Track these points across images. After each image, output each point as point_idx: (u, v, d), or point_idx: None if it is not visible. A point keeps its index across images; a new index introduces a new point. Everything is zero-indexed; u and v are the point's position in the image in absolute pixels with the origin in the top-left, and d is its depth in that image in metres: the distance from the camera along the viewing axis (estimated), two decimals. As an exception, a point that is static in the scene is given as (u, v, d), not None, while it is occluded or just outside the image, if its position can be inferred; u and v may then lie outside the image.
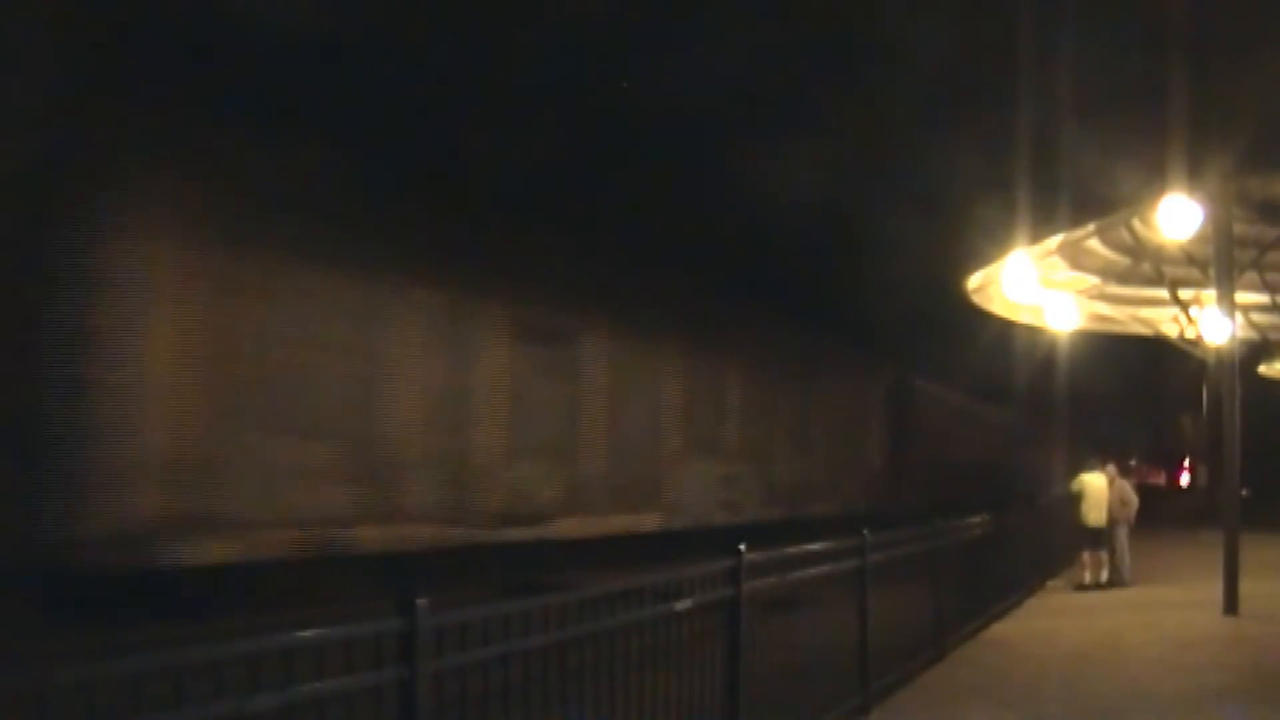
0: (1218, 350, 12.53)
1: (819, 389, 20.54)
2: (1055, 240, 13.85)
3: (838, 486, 20.48)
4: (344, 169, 9.40)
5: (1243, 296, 13.61)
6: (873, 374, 23.58)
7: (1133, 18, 10.08)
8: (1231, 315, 12.21)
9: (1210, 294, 12.81)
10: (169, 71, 8.29)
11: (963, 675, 8.44)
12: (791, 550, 6.26)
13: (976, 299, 16.72)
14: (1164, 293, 14.33)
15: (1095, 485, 14.54)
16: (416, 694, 3.21)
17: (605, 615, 4.28)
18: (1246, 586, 11.19)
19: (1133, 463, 33.23)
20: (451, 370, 10.56)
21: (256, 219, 8.38)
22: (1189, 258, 13.23)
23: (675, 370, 15.00)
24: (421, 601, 3.22)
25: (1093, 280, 15.87)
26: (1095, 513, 14.34)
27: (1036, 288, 15.20)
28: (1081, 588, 14.22)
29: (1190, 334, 13.98)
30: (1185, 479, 47.43)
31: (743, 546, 5.44)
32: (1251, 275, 13.97)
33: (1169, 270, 13.81)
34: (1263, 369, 22.15)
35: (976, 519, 10.91)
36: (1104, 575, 14.31)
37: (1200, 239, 12.30)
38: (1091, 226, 13.50)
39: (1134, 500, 14.83)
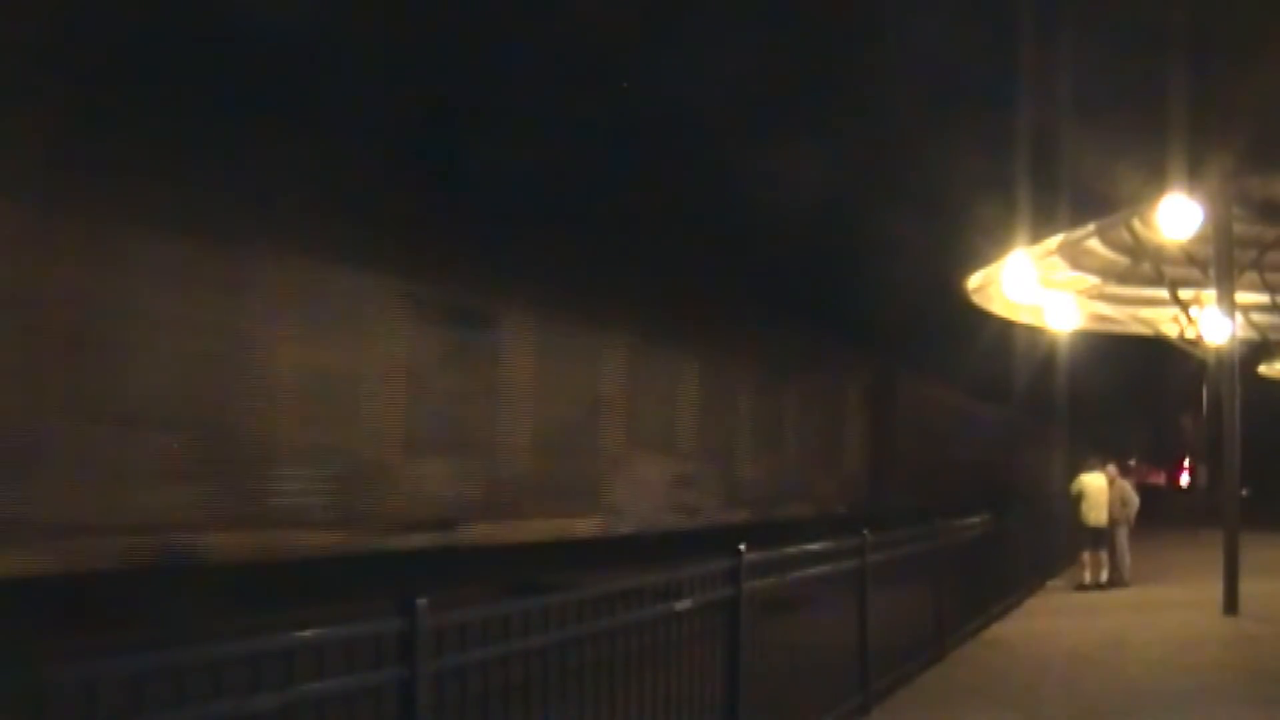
0: (1218, 350, 12.53)
1: (793, 381, 19.07)
2: (1055, 240, 13.85)
3: (813, 487, 19.20)
4: (200, 113, 7.93)
5: (1243, 296, 13.61)
6: (855, 367, 22.15)
7: (1133, 18, 10.06)
8: (1231, 315, 12.21)
9: (1210, 294, 12.81)
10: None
11: (963, 675, 8.45)
12: (791, 550, 6.26)
13: (976, 299, 16.72)
14: (1164, 293, 14.33)
15: (1095, 486, 14.55)
16: (416, 694, 3.21)
17: (605, 615, 4.28)
18: (1246, 586, 11.20)
19: (1132, 463, 33.19)
20: (336, 352, 9.25)
21: (77, 170, 7.13)
22: (1189, 258, 13.24)
23: (619, 358, 13.61)
24: (421, 601, 3.22)
25: (1093, 280, 15.87)
26: (1095, 513, 14.35)
27: (1036, 288, 15.20)
28: (1082, 588, 14.23)
29: (1190, 334, 13.98)
30: (1185, 479, 47.43)
31: (742, 546, 5.45)
32: (1251, 275, 13.98)
33: (1169, 270, 13.81)
34: (1263, 369, 22.15)
35: (976, 519, 10.91)
36: (1104, 575, 14.32)
37: (1200, 239, 12.31)
38: (1091, 226, 13.50)
39: (1134, 500, 14.84)
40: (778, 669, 5.77)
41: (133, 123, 7.51)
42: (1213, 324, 12.68)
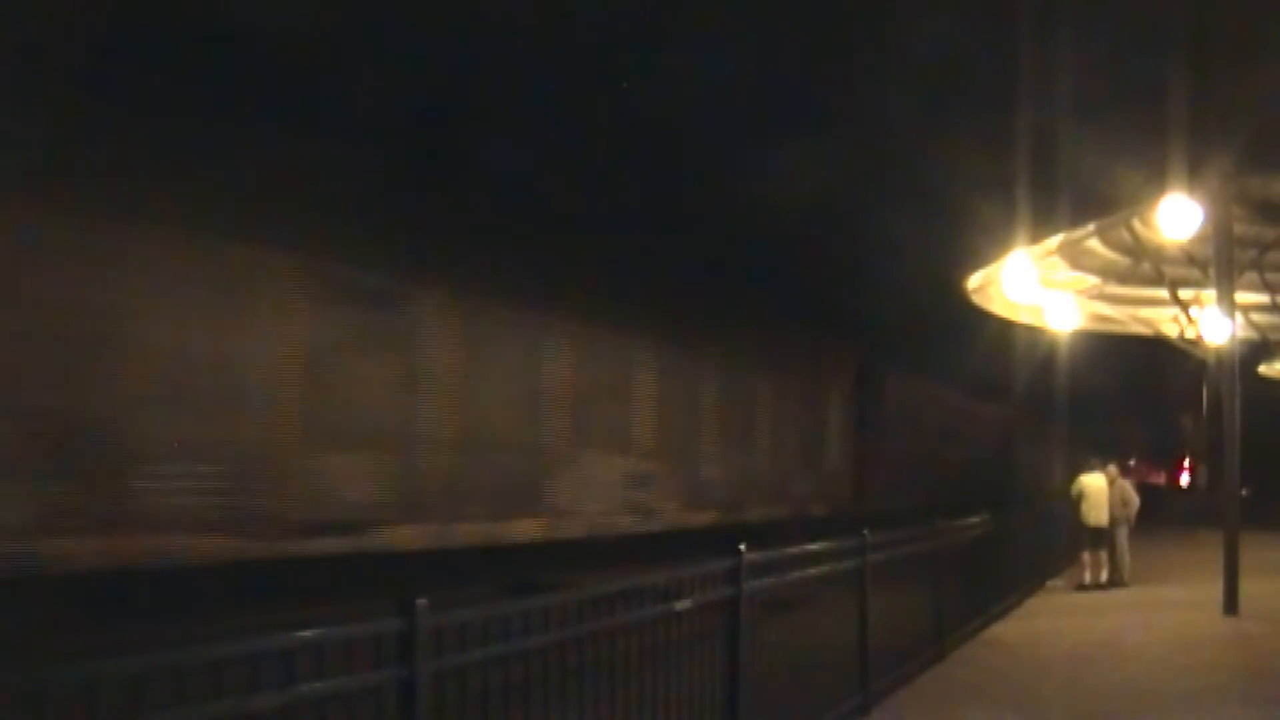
0: (1218, 350, 12.53)
1: (768, 374, 17.91)
2: (1055, 240, 13.85)
3: (787, 487, 18.16)
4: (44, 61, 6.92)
5: (1243, 296, 13.61)
6: (838, 360, 20.93)
7: (1133, 18, 10.07)
8: (1231, 315, 12.21)
9: (1210, 294, 12.81)
10: None
11: (963, 675, 8.44)
12: (792, 550, 6.27)
13: (976, 299, 16.71)
14: (1164, 293, 14.33)
15: (1095, 486, 14.55)
16: (416, 694, 3.20)
17: (605, 615, 4.28)
18: (1246, 586, 11.19)
19: (1131, 463, 33.20)
20: (219, 335, 8.21)
21: None
22: (1189, 258, 13.23)
23: (562, 345, 12.43)
24: (421, 601, 3.22)
25: (1093, 280, 15.87)
26: (1096, 513, 14.36)
27: (1036, 288, 15.20)
28: (1082, 588, 14.23)
29: (1190, 334, 13.98)
30: (1185, 479, 47.42)
31: (743, 546, 5.44)
32: (1251, 275, 13.98)
33: (1169, 270, 13.81)
34: (1263, 369, 22.14)
35: (976, 519, 10.91)
36: (1104, 575, 14.32)
37: (1200, 239, 12.30)
38: (1091, 226, 13.50)
39: (1135, 500, 14.84)
40: (778, 669, 5.76)
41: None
42: (1213, 324, 12.67)
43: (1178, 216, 11.30)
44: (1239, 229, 12.53)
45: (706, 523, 14.90)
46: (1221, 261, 12.23)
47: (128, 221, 7.50)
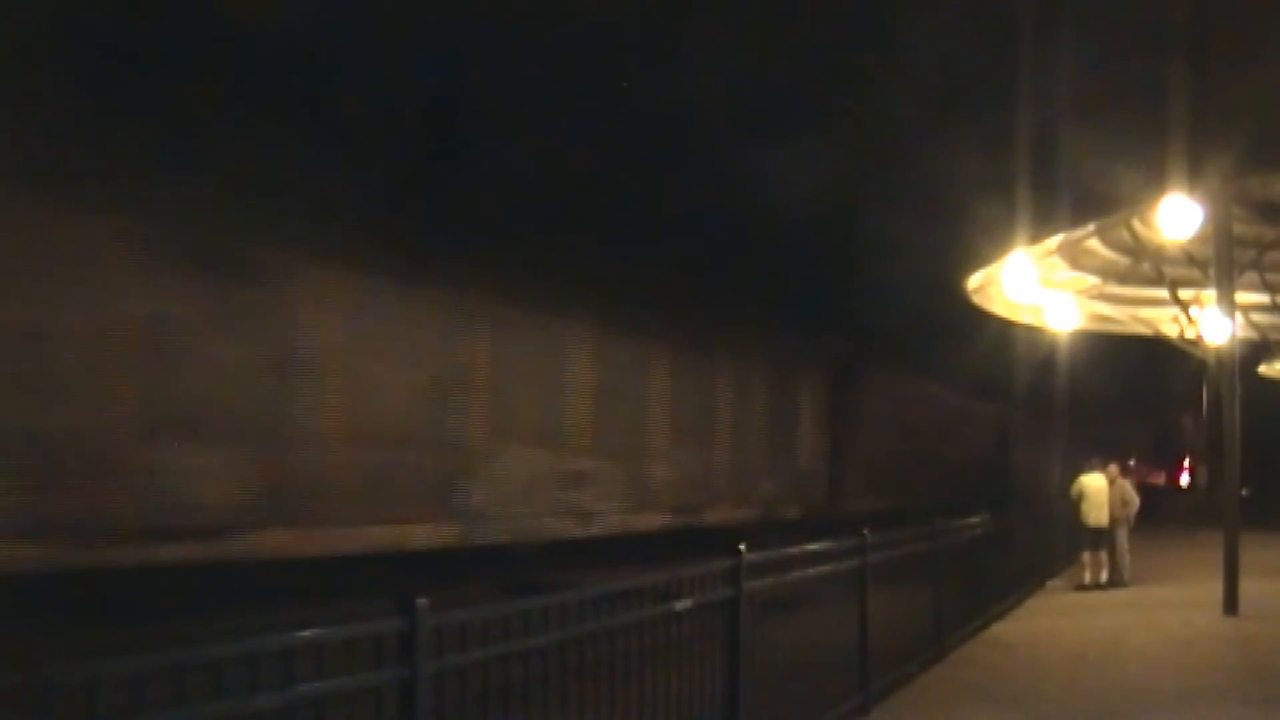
0: (1218, 350, 12.53)
1: (732, 363, 16.32)
2: (1055, 240, 13.85)
3: (753, 488, 16.69)
4: None
5: (1243, 296, 13.61)
6: (813, 349, 19.35)
7: (1133, 18, 10.07)
8: (1231, 315, 12.21)
9: (1210, 294, 12.81)
10: None
11: (963, 675, 8.44)
12: (792, 550, 6.28)
13: (976, 299, 16.71)
14: (1164, 293, 14.32)
15: (1095, 486, 14.56)
16: (416, 694, 3.21)
17: (605, 615, 4.29)
18: (1246, 586, 11.19)
19: (1131, 463, 33.18)
20: (24, 306, 6.96)
21: None
22: (1189, 258, 13.23)
23: (479, 326, 11.03)
24: (422, 601, 3.22)
25: (1093, 280, 15.87)
26: (1096, 513, 14.36)
27: (1036, 288, 15.19)
28: (1082, 588, 14.23)
29: (1190, 334, 13.98)
30: (1185, 479, 47.43)
31: (743, 546, 5.45)
32: (1251, 275, 13.97)
33: (1169, 270, 13.80)
34: (1263, 369, 22.14)
35: (976, 519, 10.91)
36: (1104, 575, 14.31)
37: (1200, 239, 12.30)
38: (1091, 226, 13.49)
39: (1135, 500, 14.85)
40: (778, 669, 5.77)
41: None
42: (1213, 324, 12.67)
43: (1178, 216, 11.30)
44: (1239, 229, 12.53)
45: (656, 527, 13.54)
46: (1221, 261, 12.23)
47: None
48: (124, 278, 7.63)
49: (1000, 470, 28.88)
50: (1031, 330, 18.31)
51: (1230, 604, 11.05)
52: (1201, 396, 31.85)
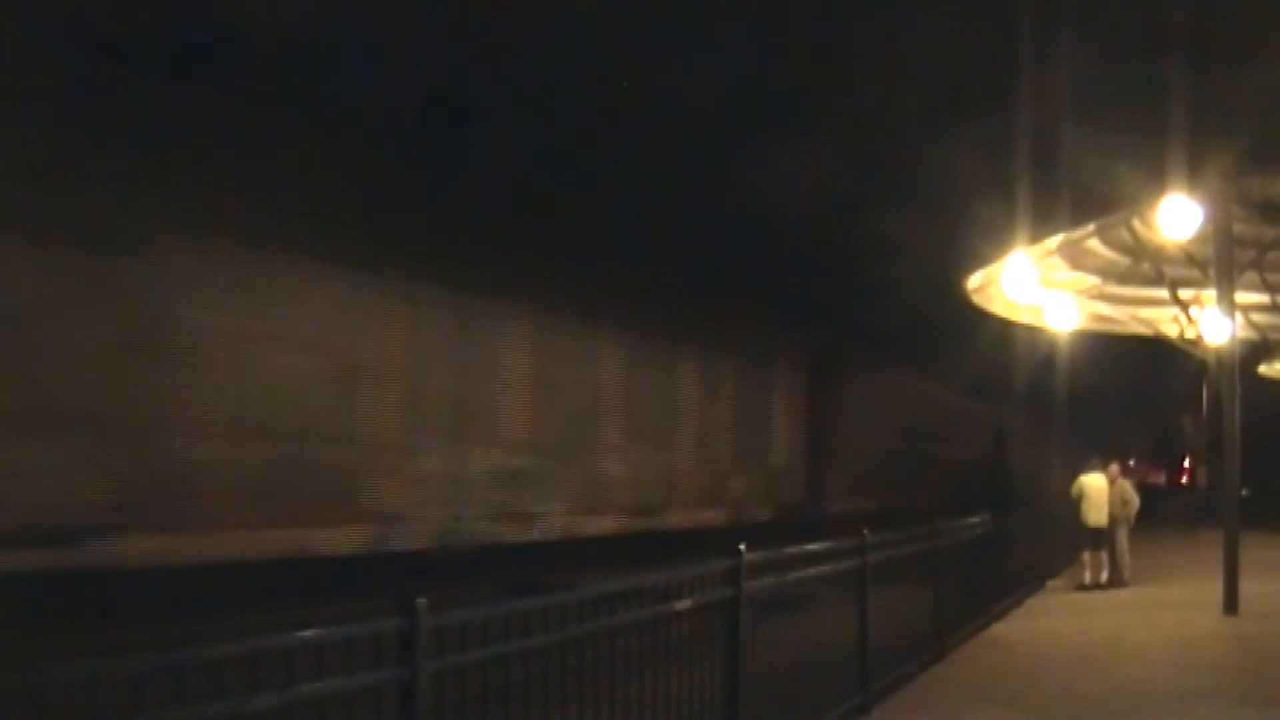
0: (1218, 350, 12.53)
1: (696, 352, 15.03)
2: (1055, 240, 13.85)
3: (721, 488, 15.53)
4: None
5: (1243, 296, 13.61)
6: (790, 339, 18.03)
7: (1133, 18, 10.06)
8: (1231, 315, 12.21)
9: (1210, 294, 12.81)
10: None
11: (963, 675, 8.44)
12: (792, 550, 6.28)
13: (976, 299, 16.70)
14: (1164, 293, 14.33)
15: (1095, 486, 14.57)
16: (416, 694, 3.21)
17: (605, 615, 4.29)
18: (1246, 586, 11.20)
19: (1131, 463, 33.16)
20: None
21: None
22: (1189, 258, 13.23)
23: (397, 306, 9.89)
24: (421, 601, 3.22)
25: (1093, 280, 15.87)
26: (1096, 513, 14.37)
27: (1036, 288, 15.20)
28: (1082, 588, 14.24)
29: (1190, 334, 13.99)
30: (1185, 479, 47.43)
31: (743, 546, 5.45)
32: (1251, 275, 13.98)
33: (1169, 270, 13.81)
34: (1263, 369, 22.14)
35: (975, 519, 10.92)
36: (1104, 575, 14.32)
37: (1200, 239, 12.31)
38: (1091, 226, 13.50)
39: (1135, 500, 14.86)
40: (778, 669, 5.77)
41: None
42: (1213, 324, 12.68)
43: (1178, 216, 11.31)
44: (1239, 229, 12.53)
45: (608, 530, 12.47)
46: (1221, 261, 12.24)
47: None
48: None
49: (999, 470, 28.74)
50: (1031, 330, 18.31)
51: (1230, 604, 11.06)
52: (1201, 396, 31.84)
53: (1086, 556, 14.60)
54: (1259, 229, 13.13)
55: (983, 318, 17.66)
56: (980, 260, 14.57)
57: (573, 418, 12.43)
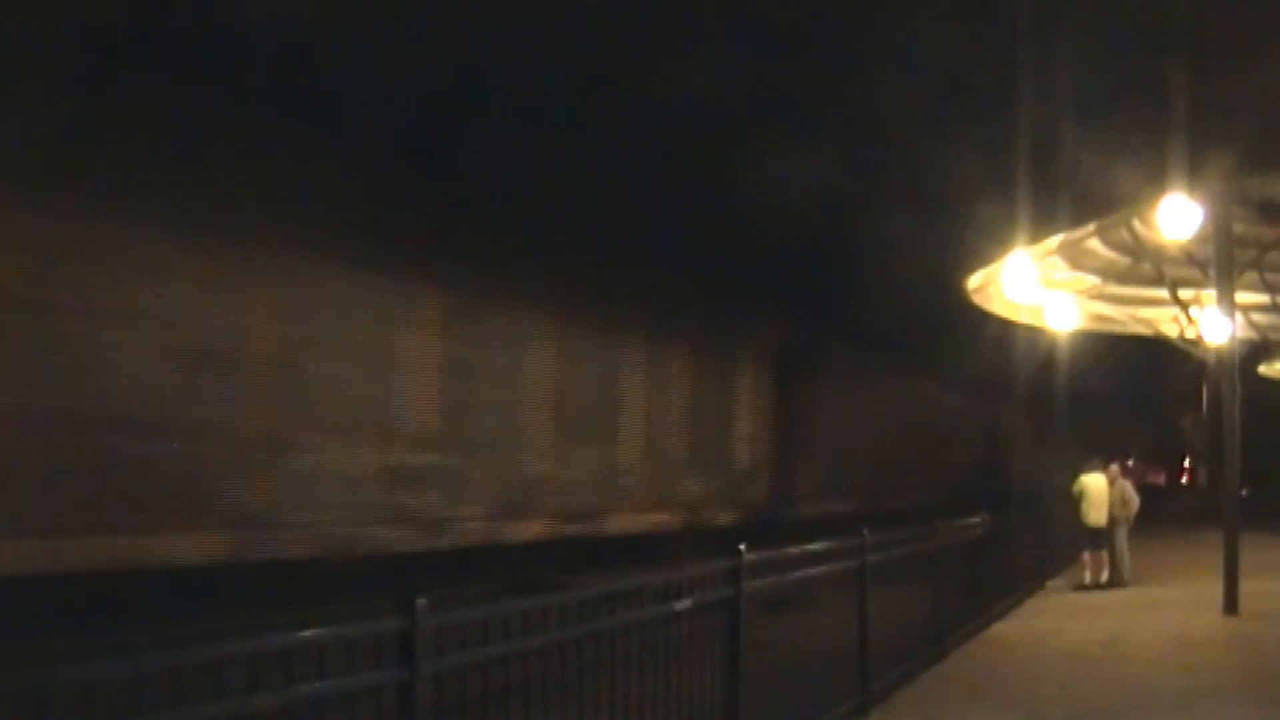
0: (1218, 350, 12.53)
1: (643, 338, 13.69)
2: (1055, 240, 13.86)
3: (672, 489, 14.12)
4: None
5: (1243, 296, 13.62)
6: (756, 327, 16.69)
7: (1133, 18, 10.07)
8: (1231, 315, 12.21)
9: (1210, 294, 12.82)
10: None
11: (963, 675, 8.44)
12: (792, 550, 6.28)
13: (976, 299, 16.70)
14: (1164, 293, 14.33)
15: (1095, 486, 14.57)
16: (416, 694, 3.20)
17: (605, 615, 4.29)
18: (1246, 586, 11.19)
19: (1131, 463, 33.19)
20: None
21: None
22: (1189, 258, 13.24)
23: (264, 278, 8.56)
24: (421, 601, 3.22)
25: (1093, 280, 15.88)
26: (1096, 513, 14.37)
27: (1036, 288, 15.20)
28: (1082, 588, 14.24)
29: (1190, 334, 13.99)
30: (1185, 479, 47.44)
31: (743, 546, 5.45)
32: (1251, 275, 13.99)
33: (1169, 270, 13.81)
34: (1263, 369, 22.16)
35: (975, 519, 10.92)
36: (1104, 575, 14.33)
37: (1200, 239, 12.31)
38: (1091, 226, 13.51)
39: (1135, 500, 14.86)
40: (778, 669, 5.77)
41: None
42: (1213, 324, 12.68)
43: (1178, 216, 11.31)
44: (1239, 229, 12.54)
45: (535, 537, 11.37)
46: (1221, 261, 12.24)
47: None
48: None
49: (998, 470, 28.67)
50: (1031, 330, 18.31)
51: (1230, 604, 11.06)
52: (1201, 396, 31.88)
53: (1086, 556, 14.60)
54: (1259, 229, 13.13)
55: (983, 317, 17.66)
56: (980, 260, 14.57)
57: (493, 409, 11.10)
